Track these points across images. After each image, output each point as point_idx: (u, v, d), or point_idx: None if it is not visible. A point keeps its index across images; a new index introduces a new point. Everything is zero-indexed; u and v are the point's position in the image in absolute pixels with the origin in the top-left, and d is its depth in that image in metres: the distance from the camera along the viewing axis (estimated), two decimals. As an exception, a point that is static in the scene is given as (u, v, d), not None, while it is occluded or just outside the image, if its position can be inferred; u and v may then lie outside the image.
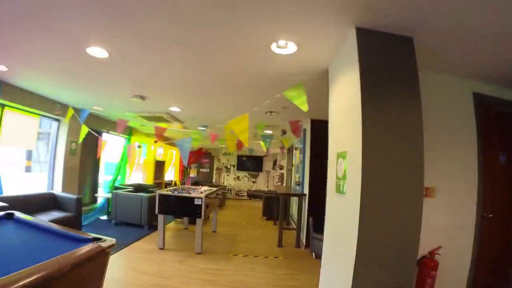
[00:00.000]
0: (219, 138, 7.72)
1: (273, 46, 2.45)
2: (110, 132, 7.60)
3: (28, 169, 7.95)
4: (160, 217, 4.93)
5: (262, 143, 7.63)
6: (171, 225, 6.77)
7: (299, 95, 2.81)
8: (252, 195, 12.58)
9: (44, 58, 3.22)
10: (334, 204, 2.54)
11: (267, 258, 4.73)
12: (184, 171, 12.43)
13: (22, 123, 5.28)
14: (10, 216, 2.82)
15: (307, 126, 5.75)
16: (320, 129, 5.17)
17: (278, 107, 4.58)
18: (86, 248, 2.02)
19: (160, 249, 4.87)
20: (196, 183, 11.79)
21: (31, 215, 3.78)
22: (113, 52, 2.88)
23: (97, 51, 2.88)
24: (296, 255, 5.01)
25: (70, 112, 5.35)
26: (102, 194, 7.30)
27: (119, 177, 7.90)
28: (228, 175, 13.73)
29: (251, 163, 13.25)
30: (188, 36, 2.41)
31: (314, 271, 3.78)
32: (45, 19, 2.27)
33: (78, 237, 2.32)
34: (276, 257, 4.78)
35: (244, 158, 13.32)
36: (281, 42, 2.38)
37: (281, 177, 11.07)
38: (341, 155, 2.34)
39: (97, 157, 6.04)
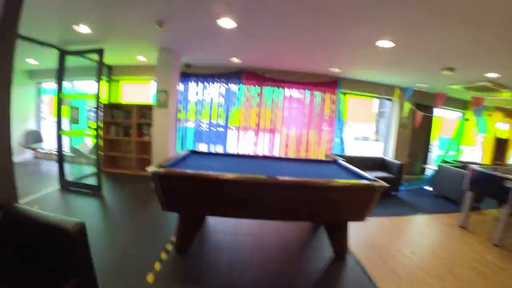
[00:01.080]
0: None
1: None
2: (444, 107, 7.62)
3: (376, 140, 9.97)
4: (468, 194, 4.69)
5: None
6: (494, 211, 5.85)
7: None
8: None
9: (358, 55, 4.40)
10: None
11: None
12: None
13: (361, 105, 7.01)
14: (335, 162, 4.42)
15: None
16: None
17: None
18: (360, 181, 3.01)
19: (460, 226, 4.70)
20: None
21: (363, 170, 5.49)
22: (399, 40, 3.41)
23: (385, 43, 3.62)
24: None
25: (397, 91, 6.29)
26: (431, 167, 7.64)
27: (452, 152, 7.78)
28: None
29: None
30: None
31: None
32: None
33: (364, 176, 3.30)
34: None
35: None
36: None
37: None
38: None
39: (415, 127, 6.46)
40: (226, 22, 3.31)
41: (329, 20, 3.00)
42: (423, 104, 7.29)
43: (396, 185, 6.18)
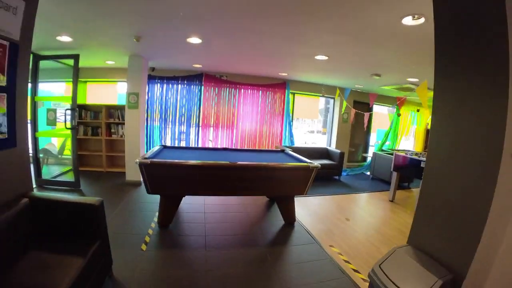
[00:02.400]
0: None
1: None
2: (379, 103, 8.91)
3: (324, 133, 11.13)
4: (394, 174, 5.82)
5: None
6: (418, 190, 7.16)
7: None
8: None
9: (299, 66, 5.32)
10: None
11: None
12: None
13: (307, 103, 8.17)
14: (282, 151, 5.31)
15: None
16: None
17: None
18: (300, 163, 3.97)
19: (390, 200, 5.82)
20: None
21: (310, 159, 6.44)
22: (332, 55, 4.31)
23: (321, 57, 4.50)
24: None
25: (337, 91, 7.37)
26: (370, 155, 8.89)
27: (388, 143, 9.07)
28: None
29: None
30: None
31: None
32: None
33: (302, 160, 4.28)
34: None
35: None
36: None
37: None
38: None
39: (352, 122, 7.69)
40: (194, 39, 4.00)
41: (277, 39, 3.81)
42: (361, 101, 8.52)
43: (339, 170, 7.28)
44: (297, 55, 4.60)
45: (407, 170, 5.71)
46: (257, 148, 7.50)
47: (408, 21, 2.70)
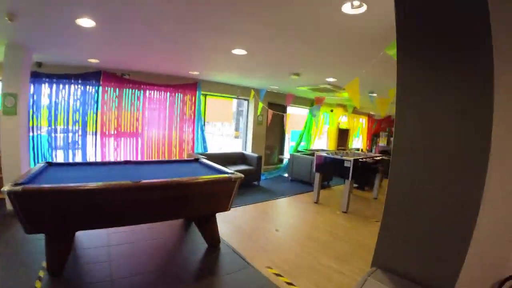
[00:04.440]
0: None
1: None
2: (294, 105, 8.91)
3: (236, 137, 10.81)
4: (317, 175, 5.66)
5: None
6: (341, 187, 7.29)
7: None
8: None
9: (213, 62, 4.76)
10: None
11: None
12: (372, 139, 12.37)
13: (220, 105, 7.74)
14: (197, 160, 4.63)
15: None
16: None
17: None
18: (220, 175, 3.34)
19: (314, 202, 5.64)
20: (384, 151, 11.53)
21: (226, 166, 5.97)
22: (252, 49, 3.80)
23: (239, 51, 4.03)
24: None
25: (252, 93, 6.99)
26: (286, 156, 8.80)
27: (302, 143, 9.14)
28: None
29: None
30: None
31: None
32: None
33: (222, 171, 3.67)
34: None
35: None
36: None
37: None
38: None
39: (269, 124, 7.50)
40: (85, 21, 3.00)
41: (188, 27, 3.11)
42: (276, 103, 8.36)
43: (257, 175, 6.89)
44: (212, 48, 3.96)
45: (330, 170, 5.62)
46: (166, 158, 6.54)
47: (347, 9, 2.32)
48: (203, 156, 5.43)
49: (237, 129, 8.99)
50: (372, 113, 12.21)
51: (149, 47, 4.09)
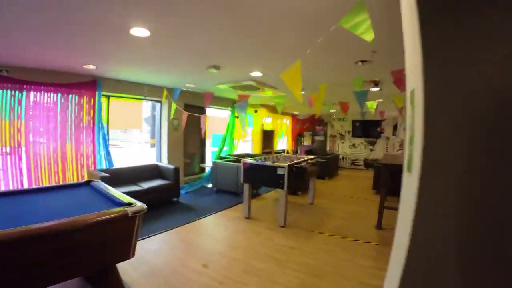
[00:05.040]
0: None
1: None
2: (214, 106, 7.97)
3: (153, 145, 9.31)
4: (245, 186, 4.83)
5: (369, 104, 6.62)
6: (272, 194, 6.63)
7: (360, 20, 1.95)
8: (369, 164, 11.26)
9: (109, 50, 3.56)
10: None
11: (356, 241, 3.97)
12: (297, 139, 12.19)
13: (127, 109, 6.49)
14: (88, 183, 3.47)
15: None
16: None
17: (366, 52, 3.56)
18: (110, 211, 2.25)
19: (246, 218, 4.82)
20: (309, 151, 11.44)
21: (137, 183, 5.06)
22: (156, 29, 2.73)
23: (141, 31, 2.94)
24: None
25: (164, 92, 5.85)
26: (208, 164, 7.81)
27: (225, 148, 8.26)
28: (343, 143, 12.70)
29: (367, 129, 11.83)
30: None
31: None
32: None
33: (117, 201, 2.62)
34: (367, 242, 3.95)
35: (358, 124, 11.98)
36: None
37: (401, 144, 9.46)
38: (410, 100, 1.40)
39: (184, 128, 6.28)
40: None
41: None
42: (194, 104, 7.32)
43: (175, 191, 5.77)
44: (101, 26, 2.79)
45: (260, 179, 4.85)
46: (54, 183, 4.86)
47: None
48: (106, 174, 4.37)
49: (153, 136, 7.67)
50: (296, 112, 12.05)
51: (28, 29, 2.77)
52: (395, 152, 10.26)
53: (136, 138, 13.24)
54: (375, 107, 6.61)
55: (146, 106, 7.24)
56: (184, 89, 6.52)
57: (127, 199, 2.64)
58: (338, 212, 5.39)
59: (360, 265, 3.27)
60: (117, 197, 2.71)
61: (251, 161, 4.96)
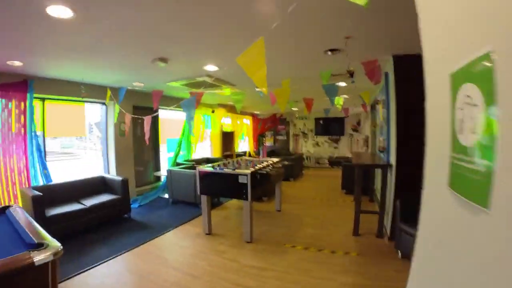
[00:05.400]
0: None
1: None
2: (168, 108, 7.15)
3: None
4: (204, 198, 4.18)
5: (336, 99, 6.24)
6: (235, 202, 5.98)
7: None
8: (334, 162, 11.08)
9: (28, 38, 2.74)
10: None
11: (334, 253, 3.49)
12: (258, 140, 11.64)
13: (67, 113, 5.55)
14: (4, 210, 2.77)
15: (389, 67, 4.01)
16: (409, 69, 3.30)
17: (338, 39, 3.06)
18: (10, 258, 1.55)
19: (206, 234, 4.17)
20: (272, 152, 10.97)
21: (79, 200, 4.41)
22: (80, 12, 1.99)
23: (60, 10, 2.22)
24: (375, 250, 3.57)
25: (108, 93, 5.00)
26: (163, 172, 6.99)
27: (181, 153, 7.49)
28: (306, 141, 12.41)
29: (330, 126, 11.63)
30: None
31: (399, 279, 2.51)
32: None
33: (27, 242, 1.93)
34: (346, 253, 3.48)
35: (322, 122, 11.74)
36: None
37: (366, 140, 9.32)
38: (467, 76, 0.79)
39: (146, 138, 5.28)
40: None
41: None
42: (144, 106, 6.47)
43: (125, 206, 4.96)
44: (16, 8, 2.03)
45: (220, 190, 4.22)
46: None
47: None
48: (38, 193, 3.72)
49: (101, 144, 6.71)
50: (257, 112, 11.52)
51: None
52: (360, 149, 10.11)
53: (96, 146, 11.94)
54: (341, 103, 6.26)
55: (99, 110, 6.21)
56: (130, 88, 5.65)
57: (42, 235, 1.93)
58: (309, 219, 4.90)
59: (345, 284, 2.77)
60: (29, 233, 1.98)
61: (208, 168, 4.30)
